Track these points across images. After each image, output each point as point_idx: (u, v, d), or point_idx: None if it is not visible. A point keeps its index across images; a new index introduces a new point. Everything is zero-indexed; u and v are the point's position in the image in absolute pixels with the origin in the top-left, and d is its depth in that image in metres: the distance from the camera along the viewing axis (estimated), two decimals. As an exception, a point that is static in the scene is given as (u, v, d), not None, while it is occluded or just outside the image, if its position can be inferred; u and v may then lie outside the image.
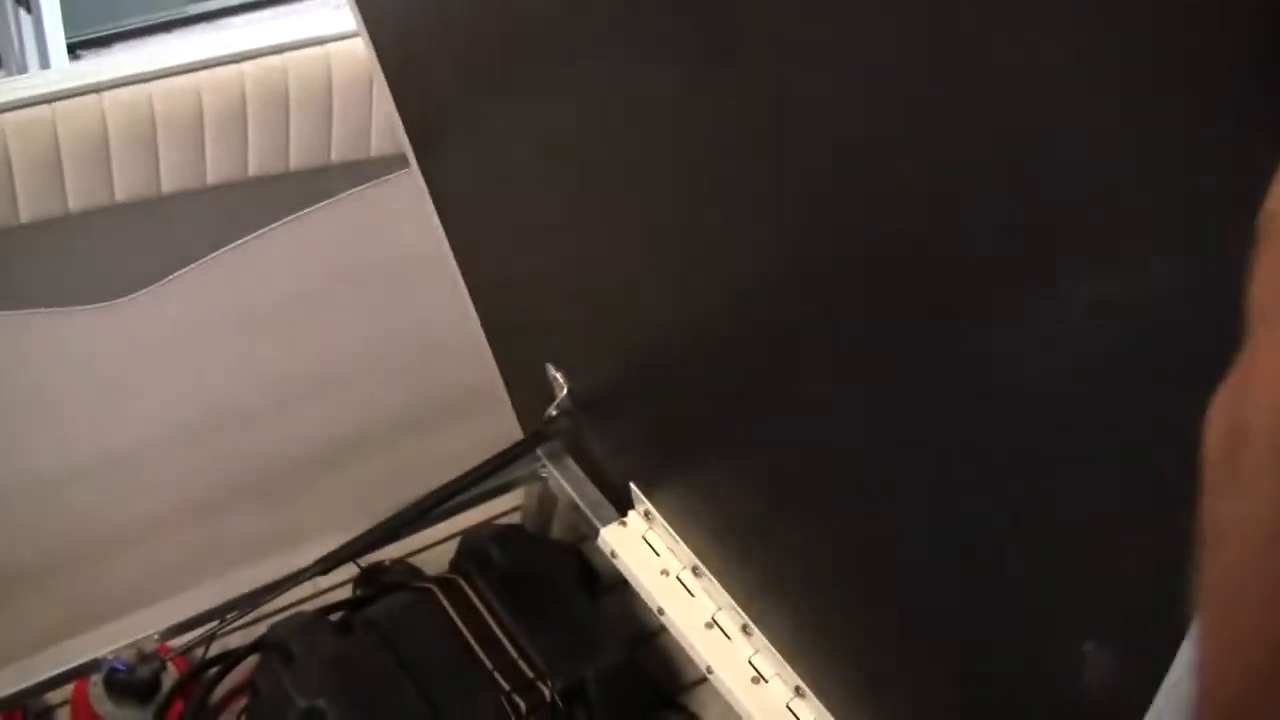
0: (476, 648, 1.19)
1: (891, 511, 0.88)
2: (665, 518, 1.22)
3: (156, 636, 1.16)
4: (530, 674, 1.17)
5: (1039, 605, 0.77)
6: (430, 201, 1.32)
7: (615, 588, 1.31)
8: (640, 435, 1.23)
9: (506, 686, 1.16)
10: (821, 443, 0.93)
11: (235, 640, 1.28)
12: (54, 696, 1.31)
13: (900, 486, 0.85)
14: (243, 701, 1.22)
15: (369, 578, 1.43)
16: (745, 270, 0.91)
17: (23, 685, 1.16)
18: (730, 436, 1.06)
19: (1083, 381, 0.65)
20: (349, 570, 1.37)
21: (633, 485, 1.25)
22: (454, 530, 1.41)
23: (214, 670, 1.21)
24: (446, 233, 1.35)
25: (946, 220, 0.69)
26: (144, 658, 1.15)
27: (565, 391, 1.27)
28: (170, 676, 1.29)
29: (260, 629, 1.24)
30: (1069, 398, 0.67)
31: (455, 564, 1.33)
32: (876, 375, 0.82)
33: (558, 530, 1.49)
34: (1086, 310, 0.62)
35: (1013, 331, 0.69)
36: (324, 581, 1.41)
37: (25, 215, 1.12)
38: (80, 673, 1.18)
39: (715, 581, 1.18)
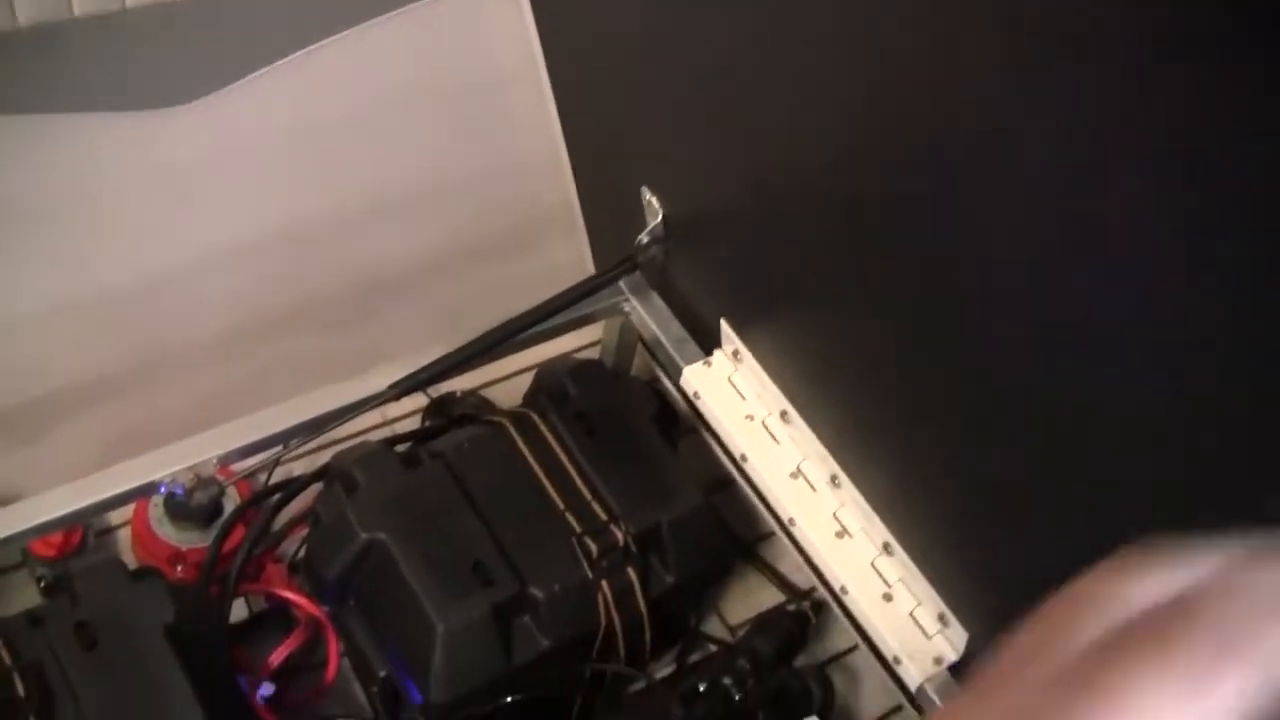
0: (548, 487, 1.13)
1: (1042, 320, 0.78)
2: (756, 357, 1.15)
3: (215, 461, 1.12)
4: (604, 517, 1.11)
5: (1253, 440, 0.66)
6: (527, 7, 1.22)
7: (694, 430, 1.25)
8: (737, 267, 1.15)
9: (578, 529, 1.10)
10: (949, 259, 0.83)
11: (301, 468, 1.23)
12: (115, 516, 1.28)
13: (1051, 287, 0.75)
14: (305, 530, 1.18)
15: (439, 408, 1.38)
16: (867, 84, 0.81)
17: (83, 504, 1.13)
18: (839, 265, 0.97)
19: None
20: (418, 400, 1.32)
21: (723, 322, 1.17)
22: (529, 363, 1.35)
23: (276, 497, 1.16)
24: (542, 41, 1.25)
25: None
26: (201, 482, 1.11)
27: (660, 218, 1.19)
28: (233, 501, 1.26)
29: (326, 457, 1.19)
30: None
31: (529, 398, 1.26)
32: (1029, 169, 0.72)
33: (637, 368, 1.42)
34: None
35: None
36: (392, 411, 1.36)
37: (79, 8, 1.04)
38: (139, 494, 1.15)
39: (804, 428, 1.11)
